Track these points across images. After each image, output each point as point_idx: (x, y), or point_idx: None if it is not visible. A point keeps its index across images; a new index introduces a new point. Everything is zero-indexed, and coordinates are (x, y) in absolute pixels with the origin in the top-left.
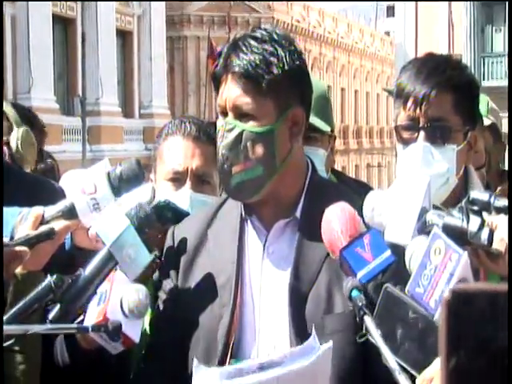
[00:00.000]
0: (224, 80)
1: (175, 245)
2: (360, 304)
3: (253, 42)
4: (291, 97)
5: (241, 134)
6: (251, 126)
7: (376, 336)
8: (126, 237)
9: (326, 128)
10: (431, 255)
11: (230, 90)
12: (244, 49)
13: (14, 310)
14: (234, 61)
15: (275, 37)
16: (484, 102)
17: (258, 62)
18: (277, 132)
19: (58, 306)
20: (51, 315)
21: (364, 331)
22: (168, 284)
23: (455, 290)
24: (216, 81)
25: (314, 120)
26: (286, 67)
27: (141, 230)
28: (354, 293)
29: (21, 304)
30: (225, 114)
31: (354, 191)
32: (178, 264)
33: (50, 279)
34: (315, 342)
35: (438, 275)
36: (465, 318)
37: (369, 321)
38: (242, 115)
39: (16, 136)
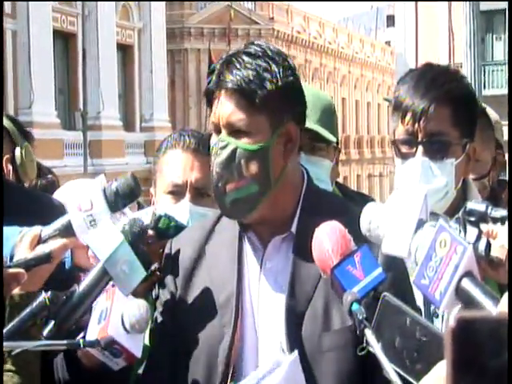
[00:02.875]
0: (217, 97)
1: (173, 258)
2: (360, 317)
3: (246, 58)
4: (285, 113)
5: (234, 151)
6: (245, 144)
7: (377, 350)
8: (121, 252)
9: (332, 138)
10: (437, 247)
11: (223, 106)
12: (237, 65)
13: (9, 326)
14: (227, 77)
15: (269, 52)
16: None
17: (251, 77)
18: (271, 149)
19: (52, 323)
20: (45, 331)
21: (365, 344)
22: (165, 297)
23: (460, 318)
24: (209, 97)
25: (320, 130)
26: (280, 83)
27: (135, 245)
28: (354, 306)
29: (16, 321)
30: (218, 131)
31: (357, 204)
32: (175, 277)
33: (44, 295)
34: (282, 356)
35: (443, 267)
36: (470, 344)
37: (369, 334)
38: (235, 132)
39: (19, 153)
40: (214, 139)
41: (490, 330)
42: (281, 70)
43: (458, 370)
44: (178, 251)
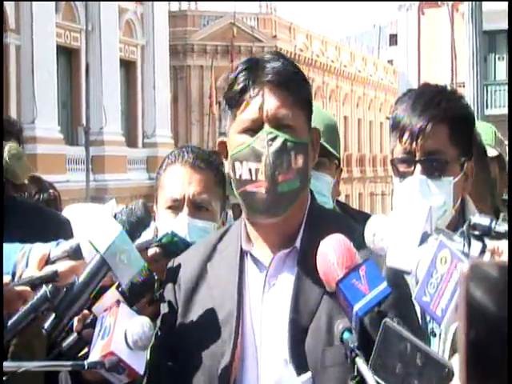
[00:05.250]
0: (256, 93)
1: (174, 276)
2: (352, 346)
3: (277, 57)
4: (311, 115)
5: (285, 142)
6: (291, 136)
7: (369, 378)
8: (119, 243)
9: (335, 153)
10: (437, 264)
11: (269, 100)
12: (273, 63)
13: (11, 321)
14: (269, 70)
15: (289, 59)
16: (491, 133)
17: (293, 74)
18: (308, 146)
19: (53, 315)
20: (47, 324)
21: (356, 373)
22: (166, 316)
23: (473, 263)
24: (236, 98)
25: (324, 144)
26: (310, 86)
27: (132, 235)
28: (346, 335)
29: (18, 315)
30: (254, 129)
31: (358, 222)
32: (176, 296)
33: (45, 289)
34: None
35: (444, 284)
36: (481, 289)
37: (361, 362)
38: (280, 126)
39: (5, 151)
40: (243, 138)
41: (502, 276)
42: (304, 74)
43: (469, 314)
44: (180, 269)
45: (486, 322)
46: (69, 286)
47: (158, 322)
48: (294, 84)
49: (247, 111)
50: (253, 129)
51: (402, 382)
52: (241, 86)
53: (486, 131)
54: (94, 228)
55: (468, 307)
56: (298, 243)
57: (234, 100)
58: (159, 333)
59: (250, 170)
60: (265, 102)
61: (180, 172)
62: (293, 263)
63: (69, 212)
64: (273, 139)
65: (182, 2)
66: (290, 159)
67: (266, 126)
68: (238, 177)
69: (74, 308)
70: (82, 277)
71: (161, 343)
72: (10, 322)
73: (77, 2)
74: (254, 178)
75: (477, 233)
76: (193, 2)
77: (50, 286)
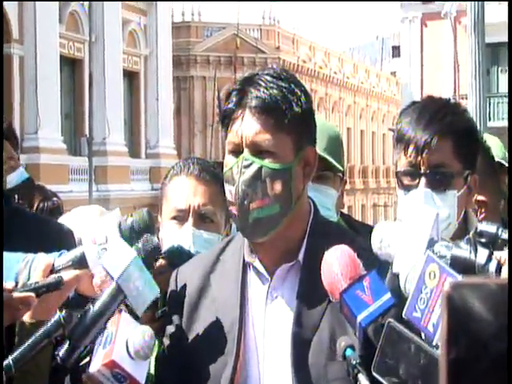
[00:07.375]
0: (239, 116)
1: (178, 290)
2: (354, 363)
3: (269, 78)
4: (305, 136)
5: (260, 169)
6: (270, 163)
7: None
8: (134, 269)
9: (339, 166)
10: (426, 279)
11: (248, 125)
12: (262, 83)
13: (23, 346)
14: (253, 95)
15: (288, 76)
16: (499, 147)
17: (278, 97)
18: (294, 170)
19: (67, 342)
20: (61, 352)
21: None
22: (171, 330)
23: (455, 282)
24: (227, 118)
25: (328, 157)
26: (304, 106)
27: (148, 262)
28: (348, 352)
29: (30, 340)
30: (237, 151)
31: (361, 235)
32: (180, 310)
33: (59, 314)
34: None
35: (434, 299)
36: (464, 308)
37: (363, 379)
38: (260, 152)
39: None
40: (230, 159)
41: (484, 294)
42: (302, 93)
43: (452, 333)
44: (183, 280)
45: (469, 342)
46: (83, 312)
47: (165, 340)
48: (277, 109)
49: (231, 134)
50: (237, 151)
51: (405, 382)
52: (227, 107)
53: (497, 145)
54: (109, 254)
55: (449, 326)
56: (300, 257)
57: (224, 120)
58: (164, 347)
59: (230, 192)
60: (244, 127)
61: (185, 183)
62: (295, 276)
63: (70, 219)
64: (247, 166)
65: (186, 14)
66: (266, 186)
67: (245, 152)
68: (226, 196)
69: (89, 336)
70: (96, 304)
71: (167, 357)
72: (21, 349)
73: (80, 13)
74: (232, 200)
75: (483, 240)
76: (196, 13)
77: (64, 311)
